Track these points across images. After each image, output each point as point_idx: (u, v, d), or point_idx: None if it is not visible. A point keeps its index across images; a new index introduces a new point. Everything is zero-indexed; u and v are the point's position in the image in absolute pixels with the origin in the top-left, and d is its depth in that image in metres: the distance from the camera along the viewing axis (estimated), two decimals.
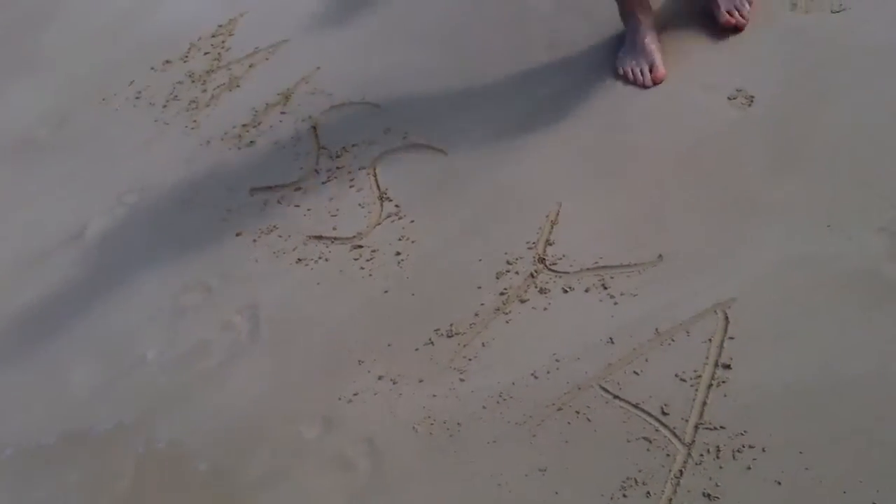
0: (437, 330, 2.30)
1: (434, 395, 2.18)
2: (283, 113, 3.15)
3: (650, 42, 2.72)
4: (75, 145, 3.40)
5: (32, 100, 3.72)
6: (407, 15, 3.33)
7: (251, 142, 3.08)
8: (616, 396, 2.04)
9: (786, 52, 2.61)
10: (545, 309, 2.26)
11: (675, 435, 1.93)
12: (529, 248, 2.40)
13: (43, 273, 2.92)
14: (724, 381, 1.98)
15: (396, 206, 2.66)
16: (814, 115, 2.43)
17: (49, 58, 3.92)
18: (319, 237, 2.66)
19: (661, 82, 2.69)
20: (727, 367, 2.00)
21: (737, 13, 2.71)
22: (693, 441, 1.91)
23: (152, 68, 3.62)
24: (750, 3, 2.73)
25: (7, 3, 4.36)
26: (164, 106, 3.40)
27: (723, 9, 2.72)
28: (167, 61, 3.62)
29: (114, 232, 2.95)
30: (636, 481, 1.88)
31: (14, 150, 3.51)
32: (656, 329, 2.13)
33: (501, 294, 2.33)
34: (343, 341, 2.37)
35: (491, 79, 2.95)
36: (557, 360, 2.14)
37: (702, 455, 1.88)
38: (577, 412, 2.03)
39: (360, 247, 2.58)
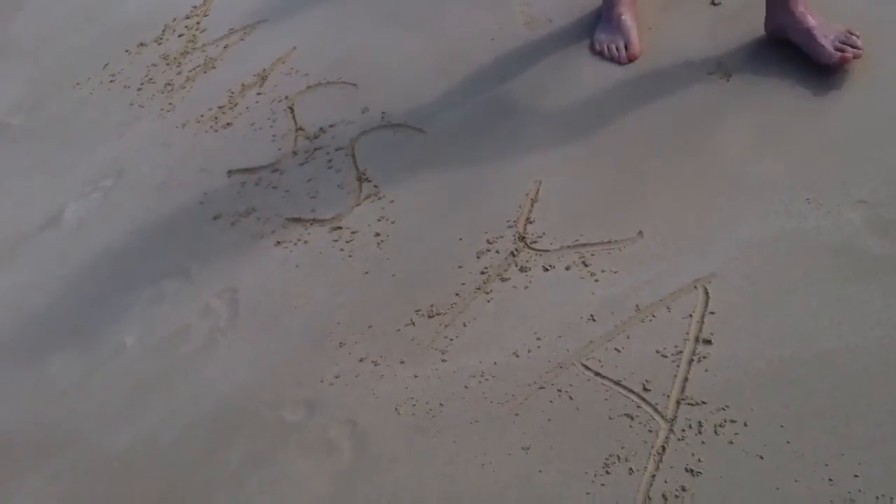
0: (419, 310, 2.29)
1: (416, 376, 2.17)
2: (259, 94, 3.12)
3: (627, 19, 2.70)
4: (49, 131, 3.36)
5: (4, 86, 3.67)
6: None
7: (227, 124, 3.05)
8: (598, 374, 2.04)
9: (762, 26, 2.60)
10: (526, 287, 2.26)
11: (656, 411, 1.93)
12: (510, 227, 2.39)
13: (18, 261, 2.88)
14: (704, 357, 1.98)
15: (375, 186, 2.65)
16: (791, 89, 2.43)
17: (20, 43, 3.87)
18: (298, 219, 2.64)
19: (635, 59, 2.67)
20: (708, 342, 2.01)
21: (849, 47, 2.39)
22: (675, 417, 1.91)
23: (126, 51, 3.57)
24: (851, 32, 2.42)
25: None
26: (139, 89, 3.36)
27: (828, 46, 2.38)
28: (141, 44, 3.58)
29: (90, 217, 2.92)
30: (619, 458, 1.88)
31: None
32: (637, 305, 2.13)
33: (482, 273, 2.32)
34: (324, 324, 2.36)
35: (468, 57, 2.94)
36: (539, 339, 2.14)
37: (684, 430, 1.89)
38: (560, 390, 2.03)
39: (340, 228, 2.57)
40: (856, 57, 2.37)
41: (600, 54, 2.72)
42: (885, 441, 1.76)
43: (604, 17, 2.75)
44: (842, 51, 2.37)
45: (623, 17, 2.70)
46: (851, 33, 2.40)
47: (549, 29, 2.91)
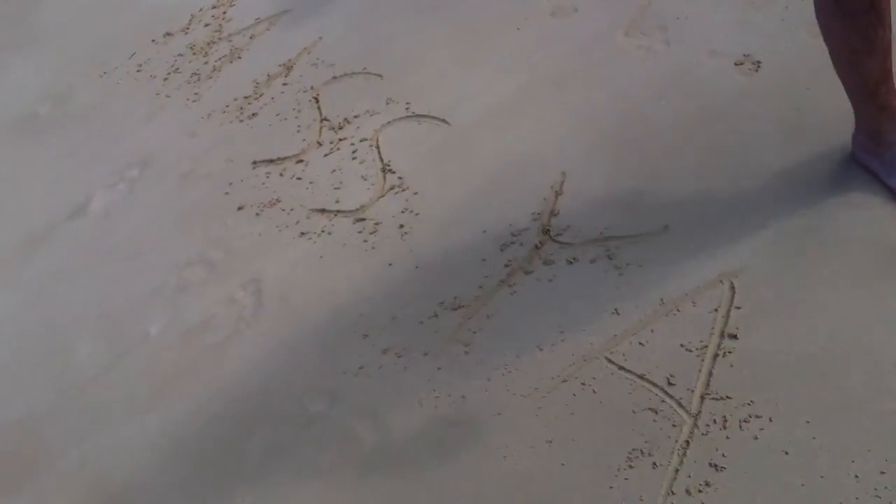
0: (442, 303, 2.29)
1: (439, 368, 2.17)
2: (284, 84, 3.13)
3: None
4: (77, 120, 3.39)
5: (32, 76, 3.71)
6: None
7: (253, 114, 3.06)
8: (621, 367, 2.02)
9: (793, 16, 2.57)
10: (550, 280, 2.25)
11: (680, 405, 1.92)
12: (534, 220, 2.38)
13: (46, 249, 2.91)
14: (730, 352, 1.97)
15: (399, 177, 2.64)
16: (821, 81, 2.40)
17: (48, 33, 3.90)
18: (322, 210, 2.65)
19: None
20: (733, 336, 1.99)
21: None
22: (699, 411, 1.90)
23: (153, 41, 3.59)
24: None
25: None
26: (166, 79, 3.38)
27: None
28: (168, 34, 3.59)
29: (116, 207, 2.94)
30: (642, 452, 1.87)
31: (16, 127, 3.50)
32: (662, 299, 2.11)
33: (506, 266, 2.31)
34: (347, 315, 2.36)
35: (493, 47, 2.92)
36: (562, 332, 2.13)
37: (708, 425, 1.87)
38: (583, 384, 2.02)
39: (364, 219, 2.57)
40: None
41: None
42: None
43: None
44: None
45: None
46: None
47: (574, 18, 2.89)
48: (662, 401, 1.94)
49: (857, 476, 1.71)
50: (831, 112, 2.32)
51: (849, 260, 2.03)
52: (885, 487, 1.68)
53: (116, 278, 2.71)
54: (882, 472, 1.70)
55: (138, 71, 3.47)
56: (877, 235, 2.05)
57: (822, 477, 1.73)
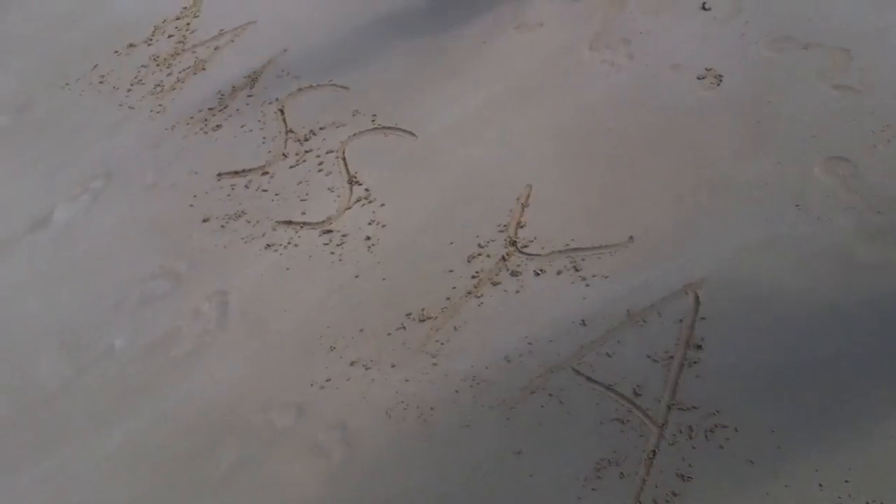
0: (409, 314, 2.29)
1: (407, 380, 2.17)
2: (249, 96, 3.11)
3: None
4: (39, 131, 3.34)
5: None
6: None
7: (217, 125, 3.04)
8: (589, 378, 2.04)
9: (754, 31, 2.61)
10: (517, 292, 2.26)
11: (647, 416, 1.94)
12: (501, 231, 2.39)
13: (7, 262, 2.86)
14: (696, 362, 1.99)
15: (366, 189, 2.64)
16: (783, 95, 2.44)
17: (10, 44, 3.84)
18: (288, 222, 2.63)
19: None
20: (699, 347, 2.01)
21: None
22: (666, 421, 1.92)
23: (116, 52, 3.56)
24: None
25: None
26: (129, 90, 3.35)
27: None
28: (131, 45, 3.56)
29: (79, 219, 2.91)
30: (610, 462, 1.89)
31: None
32: (628, 310, 2.13)
33: (473, 277, 2.32)
34: (314, 327, 2.35)
35: (459, 60, 2.93)
36: (530, 343, 2.14)
37: (675, 435, 1.89)
38: (551, 395, 2.03)
39: (330, 231, 2.56)
40: None
41: None
42: (873, 446, 1.76)
43: None
44: None
45: None
46: None
47: (539, 32, 2.91)
48: (629, 411, 1.95)
49: (821, 485, 1.74)
50: (791, 125, 2.36)
51: (809, 272, 2.07)
52: (849, 495, 1.71)
53: (79, 291, 2.68)
54: (846, 481, 1.73)
55: (101, 82, 3.43)
56: (838, 248, 2.09)
57: (786, 486, 1.75)
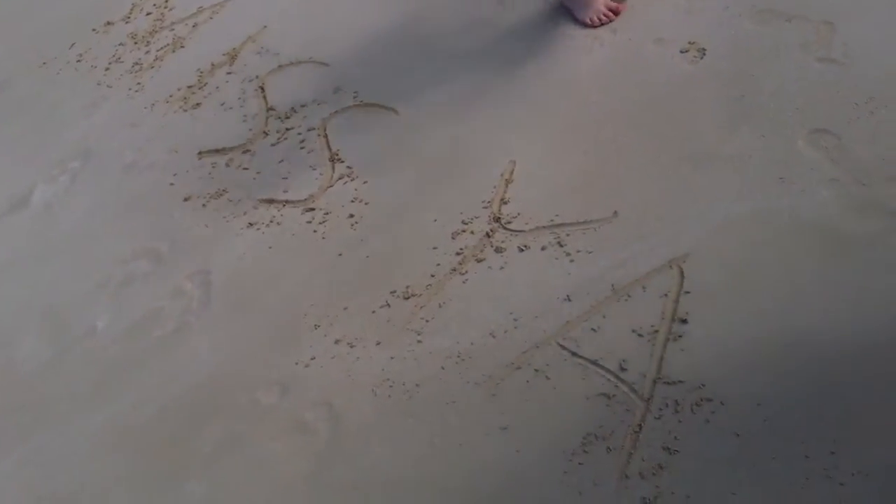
0: (394, 292, 2.28)
1: (392, 358, 2.16)
2: (229, 73, 3.08)
3: None
4: (16, 111, 3.30)
5: None
6: None
7: (197, 104, 3.01)
8: (574, 354, 2.03)
9: (737, 4, 2.60)
10: (501, 268, 2.25)
11: (633, 390, 1.94)
12: (484, 207, 2.38)
13: None
14: (680, 336, 1.99)
15: (348, 167, 2.62)
16: (766, 68, 2.43)
17: None
18: (270, 200, 2.61)
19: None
20: (684, 321, 2.01)
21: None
22: (652, 396, 1.92)
23: (93, 30, 3.51)
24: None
25: None
26: (107, 69, 3.31)
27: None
28: (108, 23, 3.52)
29: (58, 199, 2.88)
30: (597, 437, 1.89)
31: None
32: (612, 285, 2.13)
33: (457, 254, 2.31)
34: (298, 306, 2.34)
35: (441, 36, 2.91)
36: (515, 319, 2.13)
37: (661, 409, 1.89)
38: (537, 370, 2.03)
39: (313, 209, 2.54)
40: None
41: (597, 24, 2.75)
42: (860, 417, 1.77)
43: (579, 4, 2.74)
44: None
45: None
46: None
47: (523, 9, 2.89)
48: (616, 386, 1.95)
49: (807, 456, 1.74)
50: (775, 98, 2.36)
51: (794, 245, 2.07)
52: (836, 467, 1.71)
53: (60, 272, 2.65)
54: (832, 453, 1.74)
55: (79, 61, 3.39)
56: (822, 220, 2.09)
57: (773, 458, 1.76)
